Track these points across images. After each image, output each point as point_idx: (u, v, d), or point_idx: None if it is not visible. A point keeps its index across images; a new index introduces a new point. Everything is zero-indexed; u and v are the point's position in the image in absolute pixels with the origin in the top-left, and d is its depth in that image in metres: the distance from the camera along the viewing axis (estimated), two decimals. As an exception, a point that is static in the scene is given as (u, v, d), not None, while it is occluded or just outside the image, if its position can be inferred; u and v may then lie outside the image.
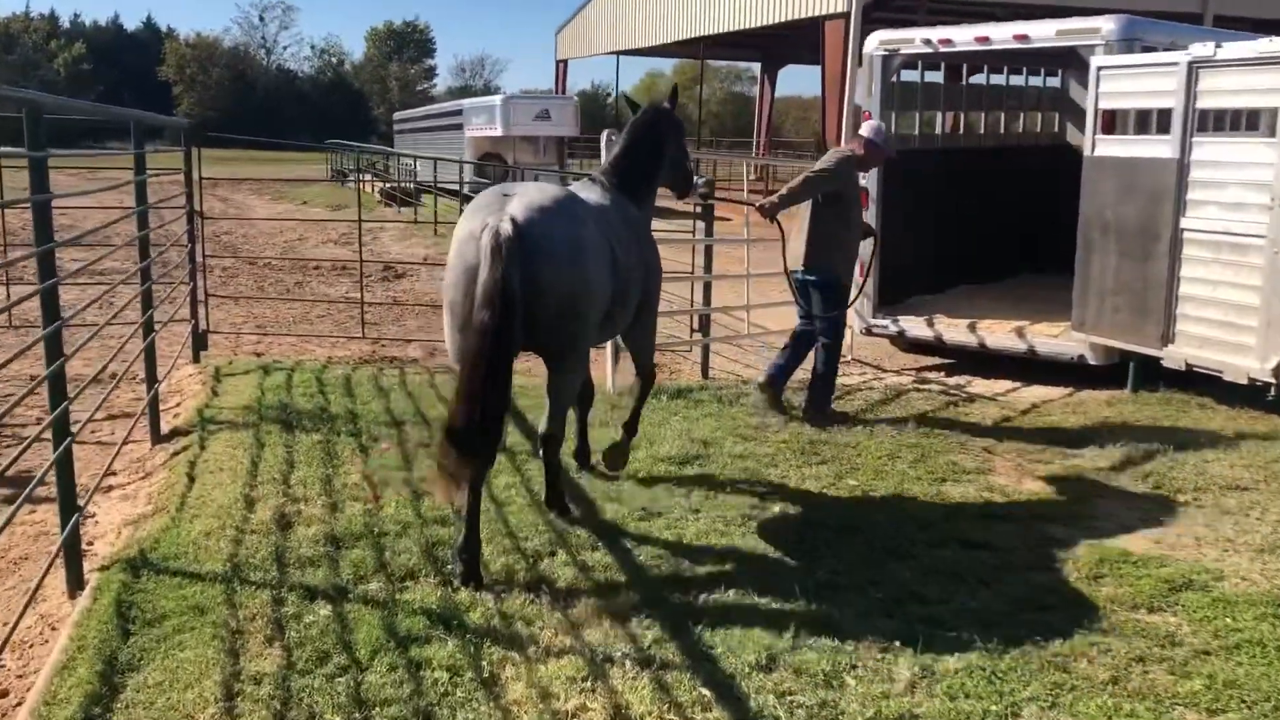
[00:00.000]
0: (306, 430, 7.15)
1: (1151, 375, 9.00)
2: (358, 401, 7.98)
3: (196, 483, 6.18)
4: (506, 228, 4.83)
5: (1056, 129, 13.57)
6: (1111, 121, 9.12)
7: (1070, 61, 13.18)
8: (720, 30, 32.24)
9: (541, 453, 5.78)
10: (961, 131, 12.40)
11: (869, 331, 10.78)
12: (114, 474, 6.72)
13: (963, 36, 10.02)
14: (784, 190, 7.95)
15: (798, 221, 8.13)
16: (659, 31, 36.26)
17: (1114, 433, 7.74)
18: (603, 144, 8.39)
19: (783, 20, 28.49)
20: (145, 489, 6.42)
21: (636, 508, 5.84)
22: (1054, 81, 13.63)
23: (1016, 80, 13.04)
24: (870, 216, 10.38)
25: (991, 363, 10.04)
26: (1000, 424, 8.08)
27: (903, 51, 10.33)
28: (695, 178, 7.12)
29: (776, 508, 5.95)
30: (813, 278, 8.06)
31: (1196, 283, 8.39)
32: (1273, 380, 7.80)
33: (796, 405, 8.10)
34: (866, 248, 8.75)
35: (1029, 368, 9.80)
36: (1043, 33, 9.52)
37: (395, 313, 13.31)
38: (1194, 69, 8.24)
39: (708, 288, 9.68)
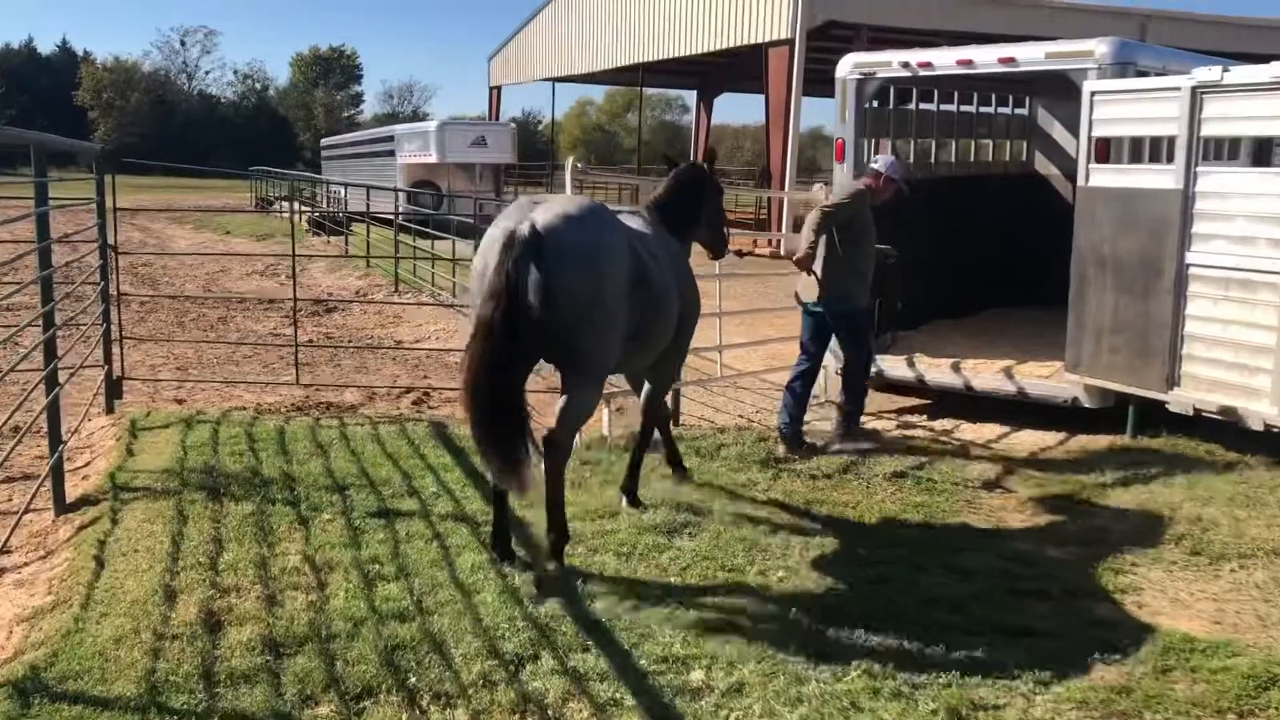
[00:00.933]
0: (236, 499, 6.24)
1: (1151, 419, 8.45)
2: (293, 461, 7.08)
3: (107, 567, 5.26)
4: (524, 229, 4.91)
5: (1025, 158, 13.10)
6: (1106, 149, 8.58)
7: (1038, 88, 12.77)
8: (659, 57, 31.70)
9: (542, 460, 5.24)
10: (933, 161, 11.85)
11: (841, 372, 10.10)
12: (9, 551, 5.76)
13: (944, 59, 9.45)
14: (808, 235, 7.89)
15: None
16: (596, 58, 35.66)
17: (1128, 486, 7.13)
18: (568, 171, 7.63)
19: (724, 47, 28.03)
20: (45, 573, 5.47)
21: (624, 591, 5.03)
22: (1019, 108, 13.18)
23: (984, 107, 12.54)
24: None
25: (973, 403, 9.42)
26: (1003, 477, 7.43)
27: (879, 75, 9.73)
28: (729, 242, 7.41)
29: (788, 587, 5.18)
30: (828, 309, 8.06)
31: (1204, 321, 7.84)
32: (1291, 427, 7.26)
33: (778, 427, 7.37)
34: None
35: (1015, 409, 9.20)
36: (1031, 56, 8.97)
37: (328, 352, 12.37)
38: (1198, 94, 7.72)
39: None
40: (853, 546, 5.89)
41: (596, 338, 5.16)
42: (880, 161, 8.35)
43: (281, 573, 5.15)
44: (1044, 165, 13.07)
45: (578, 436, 7.56)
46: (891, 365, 9.81)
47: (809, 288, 8.08)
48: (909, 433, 8.86)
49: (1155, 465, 7.61)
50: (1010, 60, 9.04)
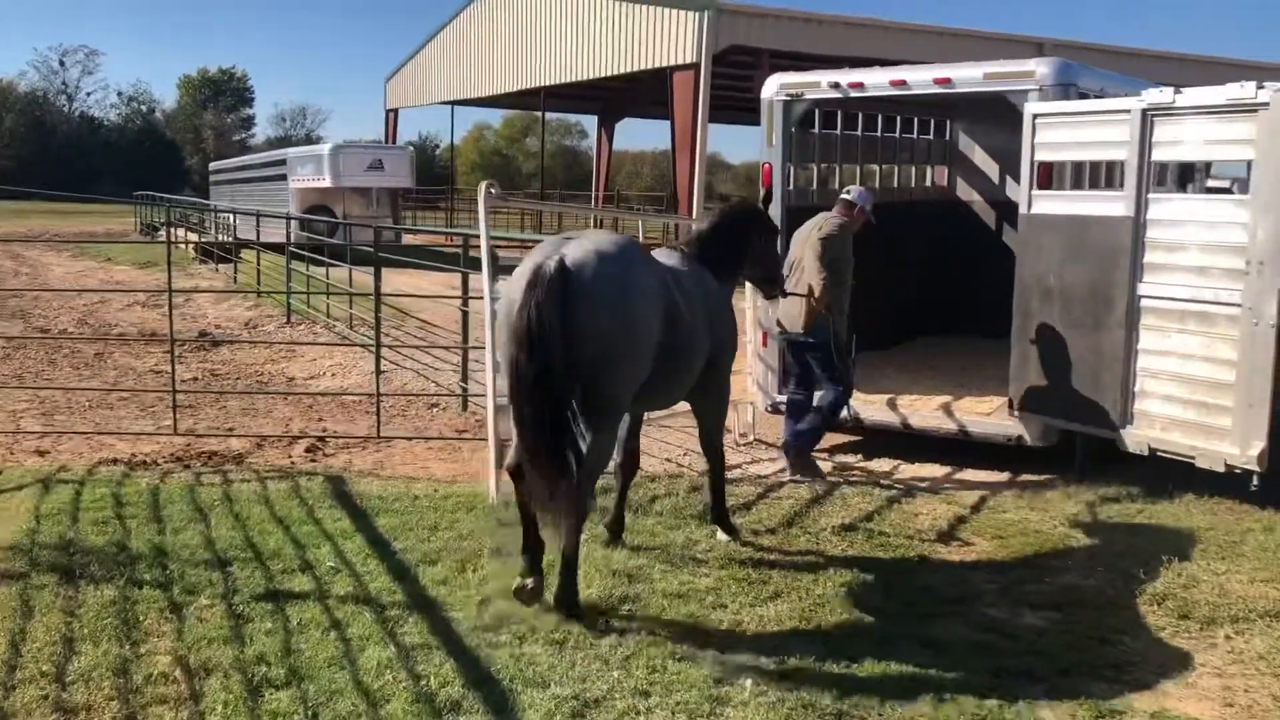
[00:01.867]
0: (96, 581, 5.33)
1: (1100, 457, 8.02)
2: (167, 530, 6.17)
3: (-75, 679, 4.32)
4: (551, 265, 4.81)
5: (946, 183, 12.74)
6: (1049, 175, 8.15)
7: (958, 112, 12.43)
8: (561, 81, 31.09)
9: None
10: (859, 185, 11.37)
11: (776, 408, 9.50)
12: None
13: (876, 80, 8.96)
14: (821, 272, 7.80)
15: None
16: (497, 81, 34.88)
17: (1090, 534, 6.63)
18: (481, 197, 6.88)
19: (628, 71, 27.54)
20: None
21: (566, 695, 4.28)
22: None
23: (904, 132, 12.14)
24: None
25: (906, 440, 8.89)
26: (958, 527, 6.87)
27: (806, 96, 9.19)
28: (784, 285, 7.33)
29: (747, 682, 4.48)
30: (811, 339, 7.96)
31: (1159, 356, 7.42)
32: (1256, 468, 6.84)
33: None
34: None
35: (953, 447, 8.69)
36: (967, 77, 8.52)
37: (213, 389, 11.36)
38: (1149, 117, 7.32)
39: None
40: (812, 618, 5.24)
41: (620, 379, 5.09)
42: (853, 193, 8.30)
43: (146, 681, 4.28)
44: (965, 191, 12.73)
45: (495, 495, 6.81)
46: (864, 406, 9.23)
47: (792, 319, 7.97)
48: (847, 475, 8.27)
49: (1113, 510, 7.14)
50: (946, 81, 8.58)
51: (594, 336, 4.84)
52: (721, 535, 6.36)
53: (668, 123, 27.80)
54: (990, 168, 12.41)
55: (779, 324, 8.20)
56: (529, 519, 5.11)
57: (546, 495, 4.82)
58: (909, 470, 8.52)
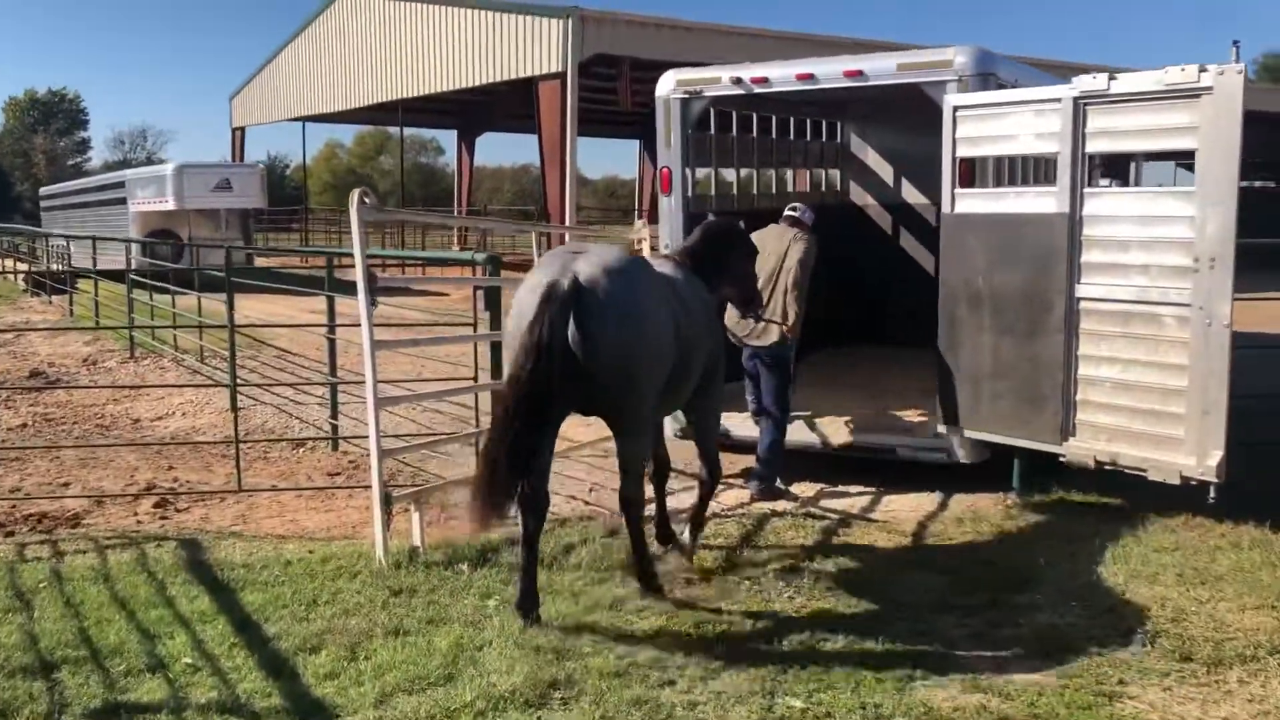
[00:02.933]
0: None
1: (1037, 471, 7.50)
2: (-21, 625, 5.01)
3: None
4: (564, 282, 4.86)
5: (840, 187, 12.20)
6: (971, 171, 7.60)
7: (850, 112, 11.92)
8: (419, 94, 29.86)
9: (623, 518, 5.62)
10: (755, 192, 10.71)
11: (685, 434, 8.72)
12: None
13: (781, 74, 8.28)
14: (795, 293, 7.62)
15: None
16: (349, 96, 33.39)
17: (1053, 564, 6.02)
18: (353, 207, 5.89)
19: (490, 81, 26.52)
20: None
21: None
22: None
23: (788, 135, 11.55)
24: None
25: (819, 459, 8.23)
26: (906, 558, 6.20)
27: (706, 94, 8.47)
28: (760, 306, 7.25)
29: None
30: (779, 353, 7.76)
31: (1102, 362, 6.90)
32: (1214, 479, 6.35)
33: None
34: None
35: (872, 465, 8.06)
36: (880, 69, 7.92)
37: (47, 438, 10.01)
38: (1081, 106, 6.81)
39: (496, 395, 7.25)
40: (770, 690, 4.44)
41: (641, 390, 5.20)
42: (800, 210, 8.12)
43: None
44: (859, 195, 12.22)
45: (384, 556, 5.84)
46: (737, 424, 8.50)
47: (746, 327, 7.70)
48: (773, 505, 7.54)
49: (1067, 532, 6.58)
50: (857, 74, 7.96)
51: (611, 350, 4.96)
52: (685, 537, 6.42)
53: (528, 136, 26.99)
54: (884, 170, 11.93)
55: (731, 333, 7.68)
56: (531, 548, 5.19)
57: (490, 489, 4.84)
58: (835, 496, 7.85)
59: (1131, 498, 7.00)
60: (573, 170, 23.76)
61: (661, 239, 8.67)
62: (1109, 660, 4.75)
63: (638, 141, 46.49)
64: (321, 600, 5.34)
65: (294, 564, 5.97)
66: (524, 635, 4.84)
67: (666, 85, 8.57)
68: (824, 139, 11.80)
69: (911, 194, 11.63)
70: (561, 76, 23.48)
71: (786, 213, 8.06)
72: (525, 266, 19.77)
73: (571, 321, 4.86)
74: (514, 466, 4.79)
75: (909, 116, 11.33)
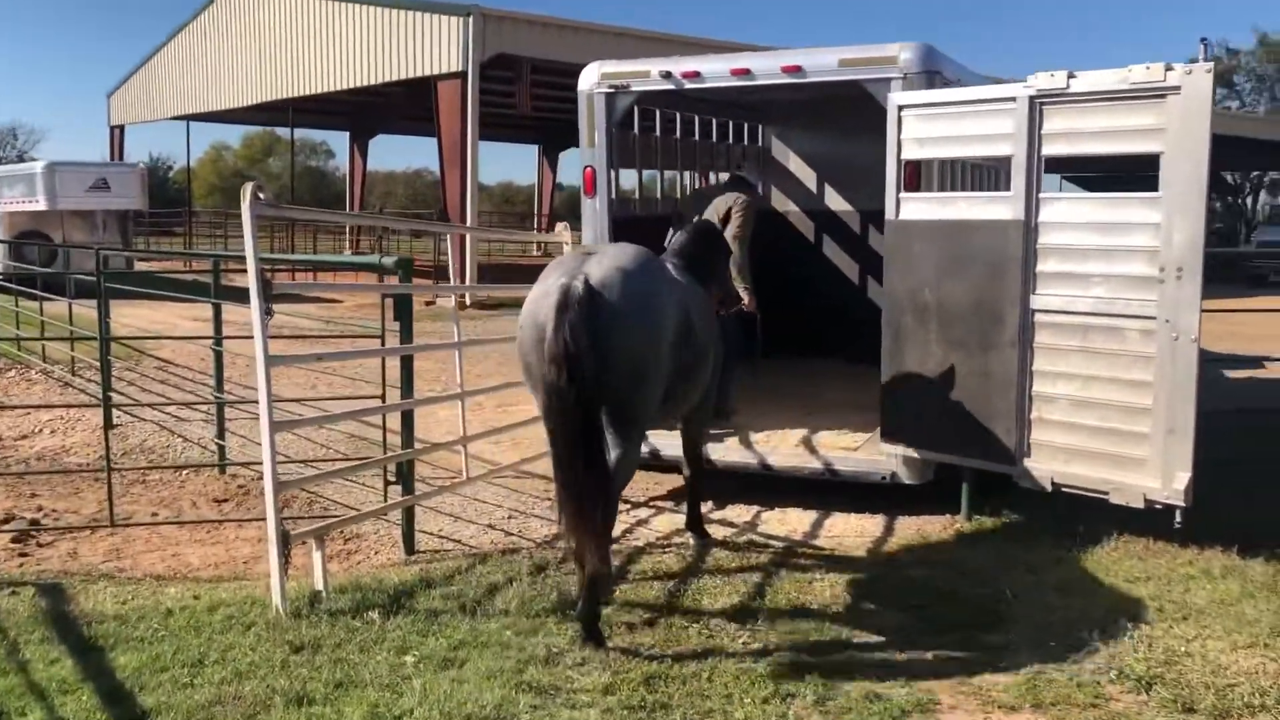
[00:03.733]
0: None
1: (986, 492, 7.10)
2: None
3: None
4: (578, 285, 4.78)
5: (761, 193, 11.73)
6: (917, 175, 7.16)
7: (771, 115, 11.47)
8: (308, 92, 28.65)
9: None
10: (677, 196, 10.15)
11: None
12: None
13: (715, 69, 7.73)
14: (741, 274, 7.70)
15: None
16: (236, 94, 31.96)
17: (1022, 597, 5.56)
18: (246, 201, 5.12)
19: (385, 81, 25.57)
20: None
21: None
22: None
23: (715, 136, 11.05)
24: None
25: (747, 479, 7.71)
26: (863, 593, 5.67)
27: (633, 88, 7.88)
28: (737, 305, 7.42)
29: None
30: None
31: (1059, 378, 6.51)
32: (1181, 503, 5.99)
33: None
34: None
35: (808, 483, 7.58)
36: (820, 64, 7.43)
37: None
38: (1038, 106, 6.42)
39: (407, 418, 6.53)
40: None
41: (649, 395, 5.14)
42: (747, 171, 8.14)
43: None
44: (781, 201, 11.77)
45: (282, 603, 5.11)
46: (667, 442, 7.90)
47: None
48: (707, 529, 6.97)
49: (1027, 561, 6.13)
50: (796, 69, 7.47)
51: (625, 355, 4.88)
52: (692, 540, 6.58)
53: (423, 139, 26.10)
54: (807, 175, 11.51)
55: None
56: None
57: (582, 516, 4.71)
58: (773, 519, 7.33)
59: (1086, 520, 6.61)
60: (474, 173, 22.99)
61: (585, 242, 8.05)
62: (1107, 713, 4.28)
63: (537, 147, 45.80)
64: (209, 660, 4.57)
65: (176, 614, 5.17)
66: (451, 700, 4.16)
67: (590, 78, 7.96)
68: (745, 143, 11.33)
69: (835, 200, 11.23)
70: (462, 76, 22.70)
71: (734, 173, 7.78)
72: (427, 274, 18.99)
73: (588, 326, 4.73)
74: (592, 482, 4.72)
75: (832, 121, 10.98)
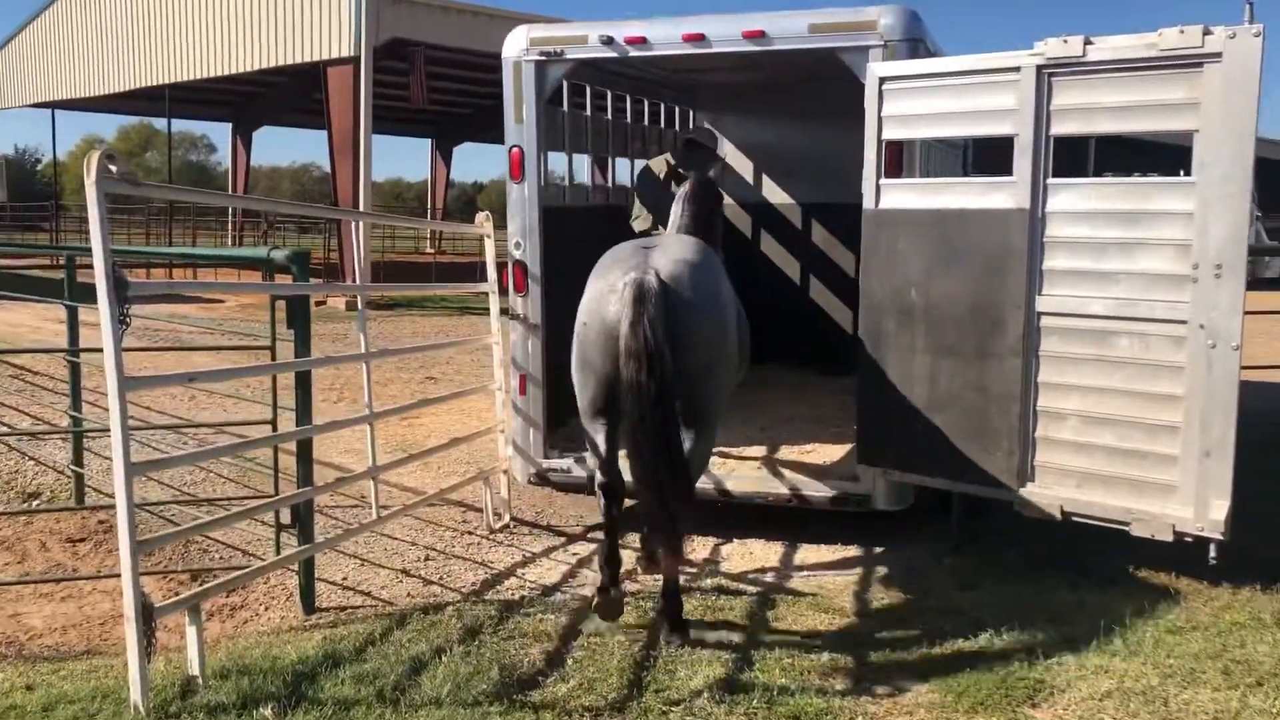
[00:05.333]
0: None
1: (974, 518, 6.26)
2: None
3: None
4: (651, 280, 4.77)
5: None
6: (898, 158, 6.24)
7: (701, 98, 10.47)
8: (187, 78, 26.77)
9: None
10: (610, 185, 9.07)
11: (543, 478, 7.03)
12: None
13: (663, 34, 6.68)
14: None
15: None
16: (108, 79, 29.79)
17: (1049, 652, 4.66)
18: (90, 170, 3.90)
19: (271, 66, 23.93)
20: None
21: None
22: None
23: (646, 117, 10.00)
24: (534, 299, 6.86)
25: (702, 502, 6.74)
26: (867, 657, 4.71)
27: (568, 56, 6.80)
28: None
29: None
30: None
31: (1070, 391, 5.65)
32: (1218, 536, 5.18)
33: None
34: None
35: (762, 510, 6.64)
36: (788, 30, 6.43)
37: None
38: (1046, 77, 5.55)
39: (304, 448, 5.32)
40: None
41: (722, 384, 5.20)
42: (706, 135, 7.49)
43: None
44: (712, 191, 10.77)
45: (143, 699, 3.91)
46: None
47: None
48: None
49: (1047, 607, 5.25)
50: (758, 35, 6.47)
51: (698, 347, 4.89)
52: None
53: (310, 132, 24.64)
54: (743, 165, 10.54)
55: None
56: (613, 533, 5.14)
57: (664, 511, 4.67)
58: (733, 555, 6.35)
59: (1089, 550, 5.80)
60: (367, 165, 21.59)
61: (511, 235, 6.96)
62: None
63: (430, 141, 44.16)
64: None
65: (11, 709, 3.96)
66: None
67: (517, 44, 6.87)
68: (676, 128, 10.31)
69: (774, 193, 10.29)
70: (354, 61, 21.28)
71: (688, 136, 7.30)
72: (316, 272, 17.21)
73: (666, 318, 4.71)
74: (671, 475, 4.64)
75: (770, 106, 10.04)
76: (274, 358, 5.34)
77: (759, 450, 7.07)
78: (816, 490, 6.53)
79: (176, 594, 4.96)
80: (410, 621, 4.97)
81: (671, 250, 5.14)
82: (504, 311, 7.00)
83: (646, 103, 9.44)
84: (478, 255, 8.12)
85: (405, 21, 21.92)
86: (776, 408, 8.26)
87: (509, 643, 4.70)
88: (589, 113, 8.31)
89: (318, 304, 18.32)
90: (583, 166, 8.41)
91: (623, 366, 4.67)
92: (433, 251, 40.51)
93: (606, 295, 4.90)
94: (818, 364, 9.61)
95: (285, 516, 5.31)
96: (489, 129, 40.56)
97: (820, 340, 9.65)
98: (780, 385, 9.04)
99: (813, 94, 9.48)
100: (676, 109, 10.25)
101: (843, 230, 9.68)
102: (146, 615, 3.98)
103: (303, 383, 5.12)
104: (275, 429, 5.41)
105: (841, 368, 9.42)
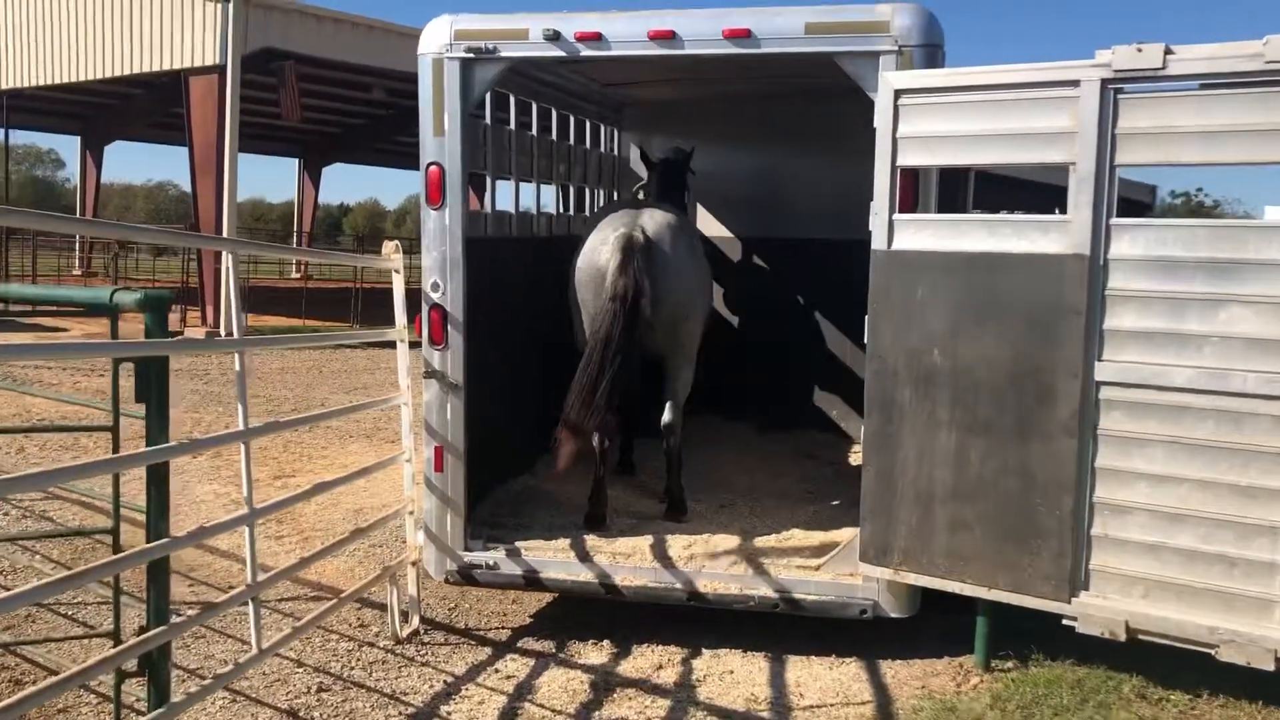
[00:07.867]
0: None
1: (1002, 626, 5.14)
2: None
3: None
4: (639, 235, 5.82)
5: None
6: (914, 189, 5.11)
7: (627, 117, 9.24)
8: (30, 84, 24.38)
9: (664, 442, 6.21)
10: (534, 212, 7.72)
11: (466, 575, 5.64)
12: None
13: (625, 29, 5.39)
14: None
15: None
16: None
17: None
18: None
19: (126, 74, 21.87)
20: None
21: None
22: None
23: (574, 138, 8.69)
24: (454, 351, 5.51)
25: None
26: None
27: (502, 53, 5.49)
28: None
29: None
30: None
31: (1138, 480, 4.59)
32: (1334, 665, 4.17)
33: None
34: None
35: (740, 618, 5.44)
36: (779, 27, 5.24)
37: None
38: (1112, 94, 4.51)
39: (157, 569, 3.82)
40: None
41: (696, 326, 6.24)
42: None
43: None
44: (641, 225, 9.52)
45: None
46: (547, 558, 5.57)
47: None
48: (613, 709, 4.67)
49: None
50: (743, 34, 5.27)
51: (677, 294, 5.94)
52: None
53: (165, 148, 22.59)
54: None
55: None
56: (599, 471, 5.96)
57: (591, 402, 5.40)
58: (713, 676, 5.10)
59: (1132, 663, 4.75)
60: (232, 184, 19.77)
61: (428, 273, 5.60)
62: None
63: (298, 160, 41.88)
64: None
65: None
66: None
67: (438, 37, 5.52)
68: (602, 150, 9.04)
69: (711, 226, 9.07)
70: (219, 71, 19.46)
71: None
72: (172, 296, 15.19)
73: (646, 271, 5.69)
74: (609, 392, 5.40)
75: (706, 129, 8.87)
76: (116, 445, 3.83)
77: (727, 539, 5.82)
78: (810, 592, 5.32)
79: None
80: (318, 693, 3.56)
81: (656, 216, 6.11)
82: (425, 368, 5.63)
83: (572, 119, 8.16)
84: (350, 281, 6.72)
85: (277, 30, 20.22)
86: (730, 477, 7.04)
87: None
88: (513, 128, 6.98)
89: (174, 334, 16.44)
90: (506, 192, 7.04)
91: (606, 299, 5.60)
92: (299, 277, 38.27)
93: (599, 246, 5.92)
94: (756, 419, 8.46)
95: (131, 662, 3.80)
96: (360, 149, 38.71)
97: (781, 398, 8.47)
98: (725, 445, 7.85)
99: (759, 115, 8.40)
100: (601, 127, 8.98)
101: (789, 266, 8.58)
102: None
103: (157, 480, 3.65)
104: (117, 542, 3.89)
105: (784, 421, 8.32)
